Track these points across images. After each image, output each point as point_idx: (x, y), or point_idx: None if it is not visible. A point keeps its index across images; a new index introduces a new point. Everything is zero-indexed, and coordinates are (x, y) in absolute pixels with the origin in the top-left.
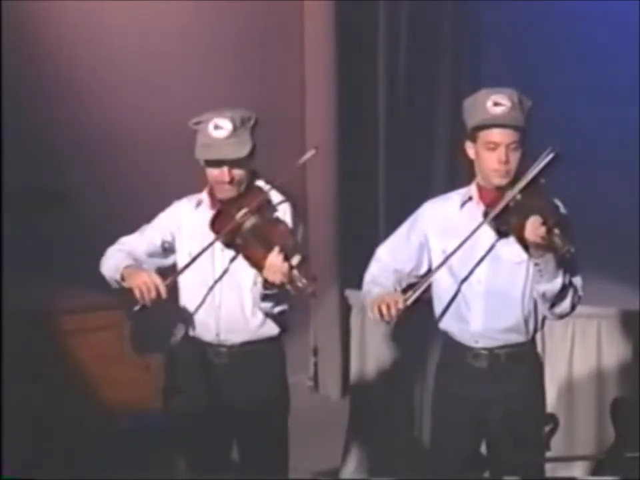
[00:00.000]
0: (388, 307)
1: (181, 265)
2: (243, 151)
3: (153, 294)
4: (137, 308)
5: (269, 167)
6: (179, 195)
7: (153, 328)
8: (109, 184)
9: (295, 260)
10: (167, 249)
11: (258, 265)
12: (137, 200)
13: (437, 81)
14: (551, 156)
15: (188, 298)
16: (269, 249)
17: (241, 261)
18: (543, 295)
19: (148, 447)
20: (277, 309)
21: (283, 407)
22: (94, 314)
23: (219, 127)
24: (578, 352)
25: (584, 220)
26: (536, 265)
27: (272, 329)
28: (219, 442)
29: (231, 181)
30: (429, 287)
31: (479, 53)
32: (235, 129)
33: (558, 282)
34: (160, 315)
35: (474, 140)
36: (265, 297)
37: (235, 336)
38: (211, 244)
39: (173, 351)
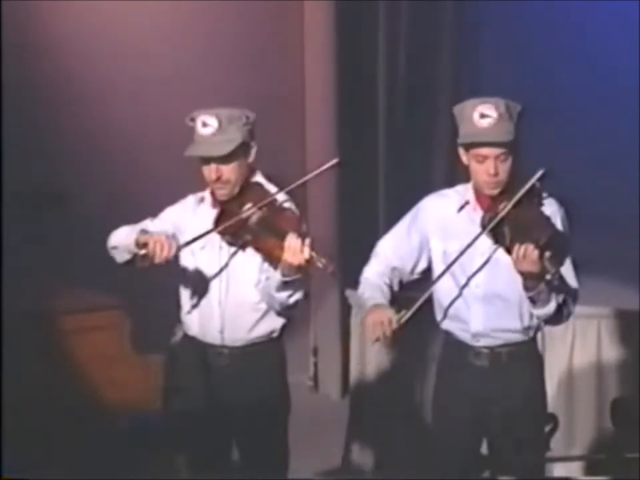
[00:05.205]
0: (382, 327)
1: (183, 262)
2: (227, 148)
3: (166, 252)
4: (145, 263)
5: (269, 167)
6: (180, 195)
7: (153, 328)
8: (109, 184)
9: (309, 242)
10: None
11: (272, 254)
12: (136, 200)
13: (437, 81)
14: (540, 172)
15: (191, 297)
16: (282, 237)
17: (244, 259)
18: (538, 317)
19: (148, 446)
20: (293, 299)
21: (283, 407)
22: (94, 314)
23: (206, 125)
24: (578, 352)
25: (584, 219)
26: (529, 298)
27: (274, 328)
28: (219, 442)
29: (219, 179)
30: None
31: (478, 53)
32: (221, 126)
33: (552, 306)
34: (160, 315)
35: (465, 148)
36: (283, 286)
37: (238, 336)
38: (211, 231)
39: (173, 351)
